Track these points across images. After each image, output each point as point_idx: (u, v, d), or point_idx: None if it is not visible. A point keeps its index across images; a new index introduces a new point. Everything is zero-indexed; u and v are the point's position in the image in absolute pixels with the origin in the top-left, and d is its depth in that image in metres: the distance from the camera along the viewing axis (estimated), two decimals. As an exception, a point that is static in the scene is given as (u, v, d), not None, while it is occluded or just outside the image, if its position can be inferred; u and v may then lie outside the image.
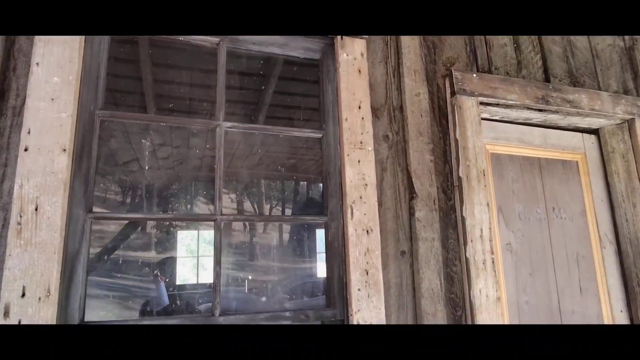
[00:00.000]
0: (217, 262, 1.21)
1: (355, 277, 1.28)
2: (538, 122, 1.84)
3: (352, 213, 1.31)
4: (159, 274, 4.33)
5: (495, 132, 1.77)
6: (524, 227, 1.74)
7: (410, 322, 1.35)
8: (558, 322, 1.71)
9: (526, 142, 1.83)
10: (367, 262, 1.30)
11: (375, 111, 1.45)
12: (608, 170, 1.96)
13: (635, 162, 1.89)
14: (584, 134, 1.98)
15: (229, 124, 1.31)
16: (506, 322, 1.58)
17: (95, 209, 1.16)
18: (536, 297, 1.69)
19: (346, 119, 1.38)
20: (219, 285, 1.20)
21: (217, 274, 1.20)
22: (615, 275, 1.87)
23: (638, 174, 1.88)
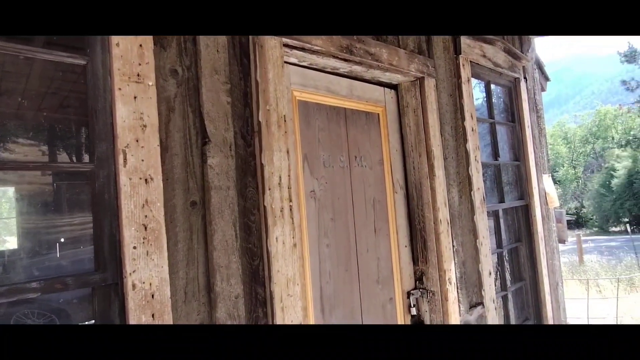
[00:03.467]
0: None
1: (130, 234, 1.09)
2: (345, 73, 1.88)
3: (125, 159, 1.10)
4: None
5: (304, 79, 1.73)
6: (328, 175, 1.80)
7: (201, 277, 1.25)
8: (354, 261, 1.86)
9: (334, 91, 1.86)
10: (146, 216, 1.13)
11: (160, 39, 1.22)
12: (403, 123, 2.17)
13: (423, 116, 2.13)
14: (386, 89, 2.13)
15: None
16: (306, 267, 1.63)
17: None
18: (336, 240, 1.80)
19: (118, 44, 1.12)
20: None
21: None
22: (403, 215, 2.13)
23: (424, 127, 2.12)
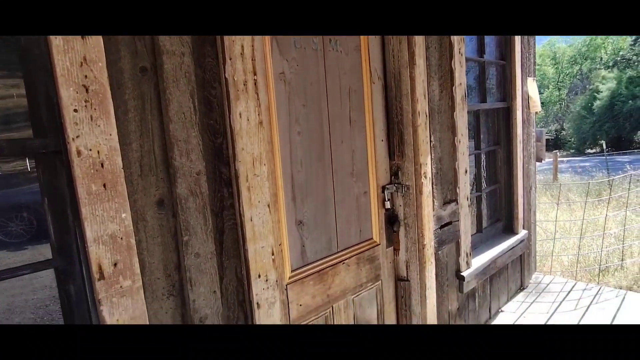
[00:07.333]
0: None
1: (68, 94, 0.98)
2: (318, -63, 1.64)
3: (52, 6, 0.94)
4: None
5: (270, -60, 1.51)
6: (299, 57, 1.66)
7: (157, 150, 1.16)
8: (327, 152, 1.79)
9: (306, -40, 1.64)
10: (86, 76, 1.00)
11: None
12: (383, 5, 1.98)
13: None
14: (366, -37, 1.90)
15: None
16: (275, 152, 1.56)
17: None
18: (308, 127, 1.71)
19: None
20: None
21: None
22: (380, 108, 2.04)
23: (407, 10, 1.94)
